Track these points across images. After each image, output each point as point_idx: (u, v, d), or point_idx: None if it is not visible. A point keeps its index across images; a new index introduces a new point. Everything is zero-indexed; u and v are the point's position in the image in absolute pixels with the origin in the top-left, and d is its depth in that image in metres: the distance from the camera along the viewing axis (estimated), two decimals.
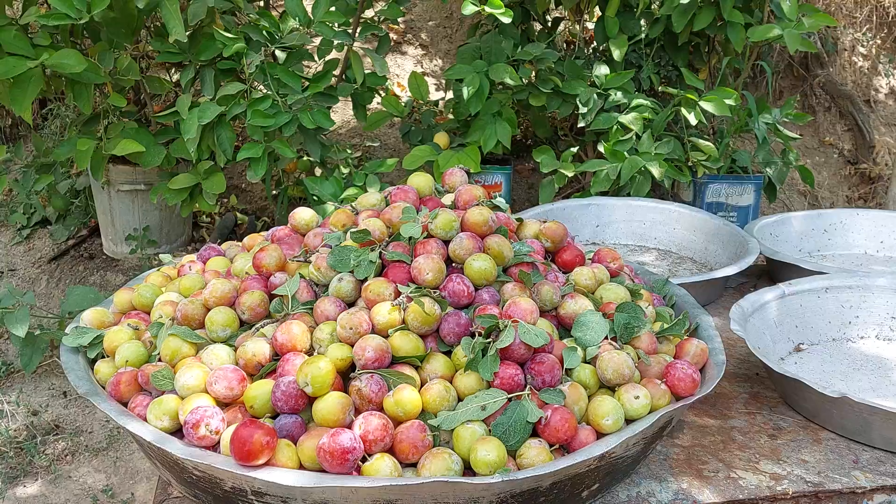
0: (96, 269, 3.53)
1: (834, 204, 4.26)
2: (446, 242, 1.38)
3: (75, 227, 3.79)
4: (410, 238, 1.37)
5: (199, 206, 3.16)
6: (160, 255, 1.73)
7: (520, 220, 1.54)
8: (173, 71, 3.88)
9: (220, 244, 1.84)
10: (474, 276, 1.31)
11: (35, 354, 2.88)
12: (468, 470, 1.12)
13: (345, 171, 3.37)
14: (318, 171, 3.58)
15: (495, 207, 1.50)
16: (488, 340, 1.20)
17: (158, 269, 1.65)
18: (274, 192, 3.70)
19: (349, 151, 3.40)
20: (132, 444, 2.84)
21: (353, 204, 1.59)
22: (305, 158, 3.48)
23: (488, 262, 1.32)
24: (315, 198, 3.24)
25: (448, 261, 1.37)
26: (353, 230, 1.39)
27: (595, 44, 3.82)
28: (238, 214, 4.04)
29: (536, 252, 1.45)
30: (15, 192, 3.82)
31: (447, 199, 1.57)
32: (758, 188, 3.60)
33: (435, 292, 1.28)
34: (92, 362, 1.35)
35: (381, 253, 1.35)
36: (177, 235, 3.73)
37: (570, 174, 3.28)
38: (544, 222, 1.54)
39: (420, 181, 1.58)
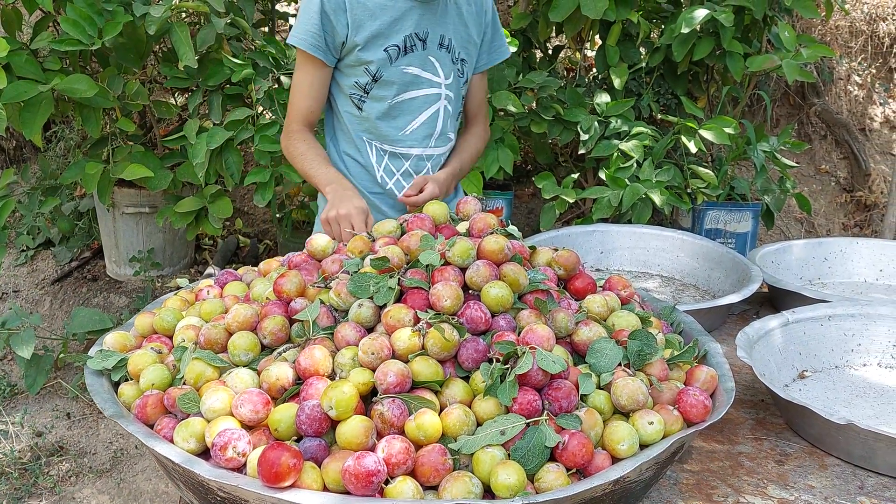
0: (99, 290, 3.55)
1: (830, 231, 4.32)
2: (463, 270, 1.41)
3: (78, 249, 3.82)
4: (428, 265, 1.40)
5: (205, 229, 3.19)
6: (177, 280, 1.76)
7: (533, 248, 1.58)
8: (178, 94, 3.93)
9: (234, 267, 1.87)
10: (491, 303, 1.34)
11: (39, 376, 2.89)
12: (487, 493, 1.14)
13: None
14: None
15: (509, 235, 1.53)
16: (506, 366, 1.23)
17: (176, 294, 1.67)
18: (277, 215, 3.73)
19: None
20: (136, 466, 2.85)
21: (369, 231, 1.62)
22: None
23: (505, 290, 1.35)
24: None
25: (465, 288, 1.40)
26: (372, 257, 1.42)
27: (595, 71, 3.88)
28: (240, 237, 4.07)
29: (550, 279, 1.48)
30: (20, 214, 3.84)
31: (462, 227, 1.61)
32: (756, 215, 3.66)
33: (453, 318, 1.31)
34: (115, 385, 1.37)
35: (399, 279, 1.38)
36: (180, 258, 3.76)
37: (572, 200, 3.33)
38: (556, 250, 1.57)
39: (435, 209, 1.62)
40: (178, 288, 1.74)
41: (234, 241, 3.99)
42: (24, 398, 3.13)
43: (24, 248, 3.81)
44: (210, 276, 3.92)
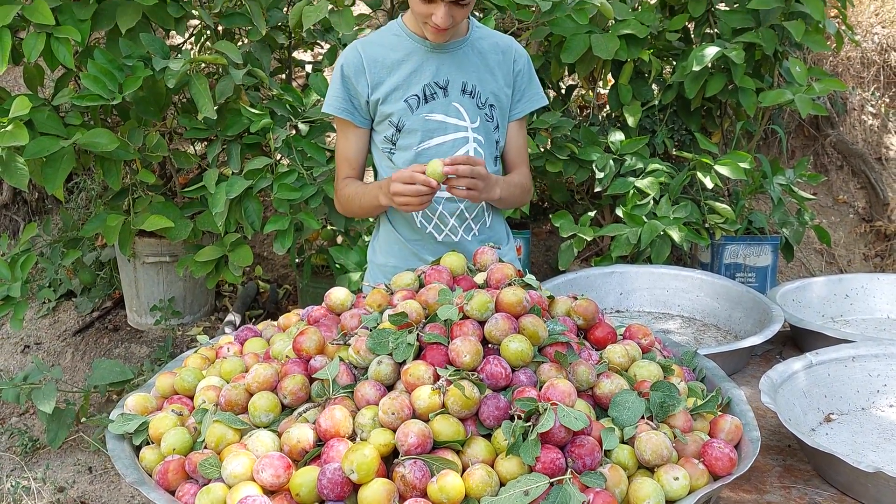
0: (121, 340, 3.57)
1: (851, 262, 4.28)
2: (481, 323, 1.41)
3: (100, 299, 3.85)
4: (447, 320, 1.40)
5: (225, 277, 3.21)
6: (197, 337, 1.77)
7: (551, 297, 1.57)
8: (196, 143, 3.98)
9: (252, 319, 1.87)
10: (511, 358, 1.34)
11: (61, 430, 2.90)
12: None
13: (367, 238, 3.42)
14: (339, 239, 3.64)
15: (527, 286, 1.53)
16: (528, 424, 1.22)
17: (196, 351, 1.68)
18: (297, 260, 3.74)
19: (371, 220, 3.45)
20: None
21: (387, 283, 1.63)
22: (329, 228, 3.53)
23: (525, 344, 1.34)
24: (339, 266, 3.29)
25: (483, 341, 1.39)
26: (391, 313, 1.42)
27: (609, 109, 3.90)
28: (260, 283, 4.09)
29: (569, 330, 1.47)
30: (42, 267, 3.88)
31: (479, 278, 1.61)
32: (775, 248, 3.63)
33: (473, 375, 1.30)
34: (136, 448, 1.38)
35: (418, 335, 1.38)
36: (200, 305, 3.78)
37: (589, 238, 3.32)
38: (575, 299, 1.57)
39: (453, 260, 1.62)
40: (195, 341, 1.75)
41: (254, 287, 4.01)
42: (46, 453, 3.13)
43: (46, 301, 3.85)
44: (231, 323, 3.90)
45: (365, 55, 1.88)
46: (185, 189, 3.20)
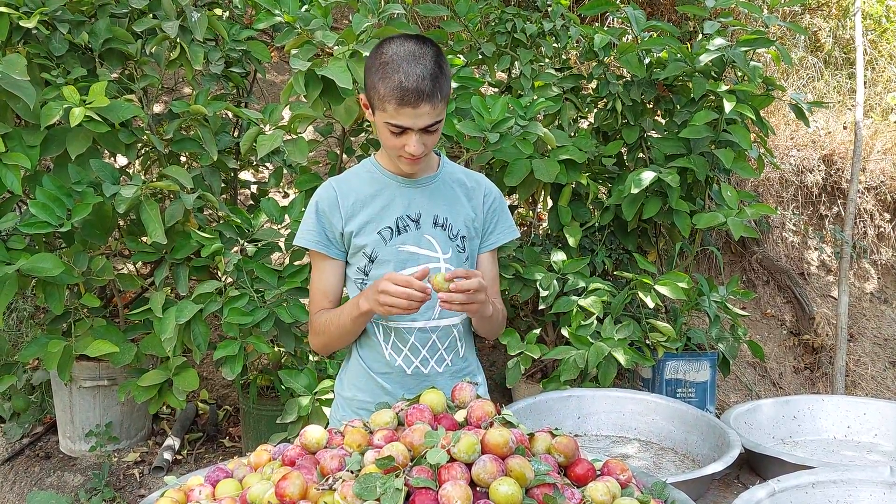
0: (53, 469, 3.39)
1: (782, 375, 4.44)
2: (468, 465, 1.41)
3: (30, 425, 3.66)
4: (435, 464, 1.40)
5: (169, 402, 3.12)
6: (164, 478, 1.70)
7: (531, 434, 1.59)
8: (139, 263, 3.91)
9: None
10: (501, 502, 1.34)
11: None
12: None
13: (314, 359, 3.39)
14: (283, 360, 3.59)
15: (508, 423, 1.55)
16: None
17: (163, 494, 1.62)
18: (241, 381, 3.66)
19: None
20: None
21: (365, 422, 1.62)
22: (276, 349, 3.49)
23: (514, 487, 1.35)
24: (285, 389, 3.23)
25: (471, 483, 1.39)
26: (377, 457, 1.41)
27: (547, 226, 4.03)
28: (199, 404, 3.97)
29: (553, 469, 1.49)
30: None
31: (459, 415, 1.62)
32: (713, 364, 3.75)
33: None
34: None
35: (405, 479, 1.37)
36: (137, 430, 3.63)
37: (536, 356, 3.38)
38: (553, 435, 1.59)
39: (433, 399, 1.63)
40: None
41: (193, 409, 3.88)
42: None
43: None
44: (169, 448, 3.76)
45: (339, 191, 1.94)
46: (131, 312, 3.13)
